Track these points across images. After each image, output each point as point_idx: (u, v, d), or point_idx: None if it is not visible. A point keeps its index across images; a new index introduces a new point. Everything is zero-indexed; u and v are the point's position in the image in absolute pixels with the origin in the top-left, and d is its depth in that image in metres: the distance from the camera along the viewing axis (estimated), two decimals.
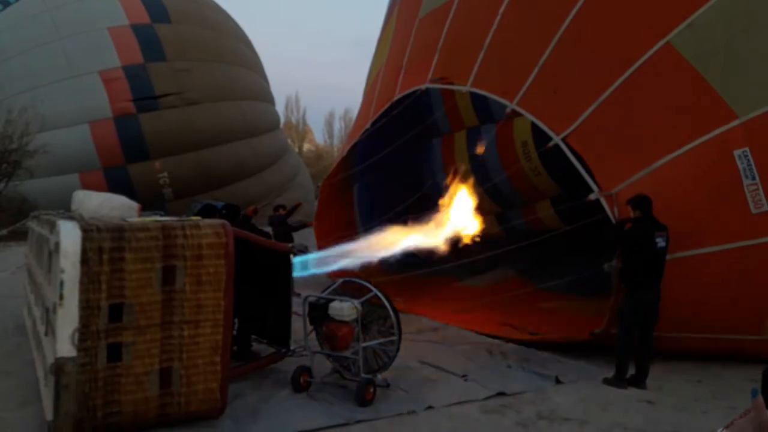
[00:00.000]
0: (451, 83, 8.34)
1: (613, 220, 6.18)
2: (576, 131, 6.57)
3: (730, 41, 6.14)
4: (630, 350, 5.74)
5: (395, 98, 9.12)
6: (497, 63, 7.66)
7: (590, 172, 6.40)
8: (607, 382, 5.73)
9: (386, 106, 9.31)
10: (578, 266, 7.54)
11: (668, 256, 5.69)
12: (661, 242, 5.62)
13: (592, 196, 6.36)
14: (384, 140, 9.68)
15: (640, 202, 5.73)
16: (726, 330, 6.10)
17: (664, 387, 5.69)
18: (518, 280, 9.92)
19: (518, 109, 7.09)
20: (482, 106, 10.47)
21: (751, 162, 5.79)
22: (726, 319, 6.01)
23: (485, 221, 11.65)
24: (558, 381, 5.75)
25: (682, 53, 6.15)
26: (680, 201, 5.98)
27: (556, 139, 6.64)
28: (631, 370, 5.74)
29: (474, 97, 10.13)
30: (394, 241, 7.00)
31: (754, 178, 5.79)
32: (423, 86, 8.60)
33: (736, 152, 5.83)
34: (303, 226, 11.38)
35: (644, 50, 6.33)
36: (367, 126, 9.60)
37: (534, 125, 8.81)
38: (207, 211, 6.56)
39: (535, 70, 7.07)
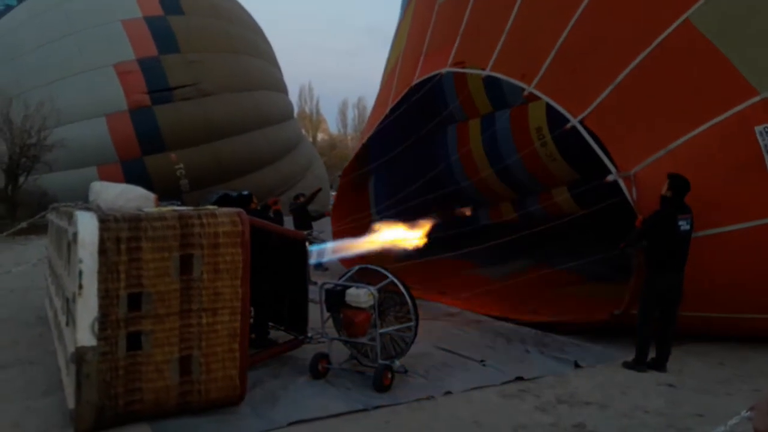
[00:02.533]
0: (472, 67, 8.25)
1: (631, 202, 6.09)
2: (593, 113, 6.47)
3: (749, 16, 6.00)
4: (650, 333, 5.68)
5: (414, 82, 9.03)
6: (516, 47, 7.57)
7: (608, 154, 6.31)
8: (626, 365, 5.68)
9: (405, 91, 9.25)
10: (598, 252, 7.44)
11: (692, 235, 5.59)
12: (684, 225, 5.52)
13: (610, 177, 6.27)
14: (398, 132, 9.63)
15: (678, 183, 5.57)
16: (751, 309, 6.02)
17: (685, 370, 5.63)
18: (537, 269, 9.83)
19: (536, 92, 7.01)
20: (496, 92, 10.37)
21: None
22: (750, 297, 5.92)
23: (501, 208, 11.63)
24: (577, 365, 5.71)
25: (701, 30, 6.02)
26: (701, 180, 5.86)
27: (573, 122, 6.55)
28: (652, 354, 5.68)
29: (487, 83, 10.04)
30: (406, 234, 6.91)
31: None
32: (443, 70, 8.51)
33: (758, 128, 5.72)
34: (321, 215, 11.52)
35: (663, 28, 6.21)
36: (386, 112, 9.56)
37: (548, 111, 8.73)
38: (224, 201, 6.59)
39: (552, 53, 6.98)
